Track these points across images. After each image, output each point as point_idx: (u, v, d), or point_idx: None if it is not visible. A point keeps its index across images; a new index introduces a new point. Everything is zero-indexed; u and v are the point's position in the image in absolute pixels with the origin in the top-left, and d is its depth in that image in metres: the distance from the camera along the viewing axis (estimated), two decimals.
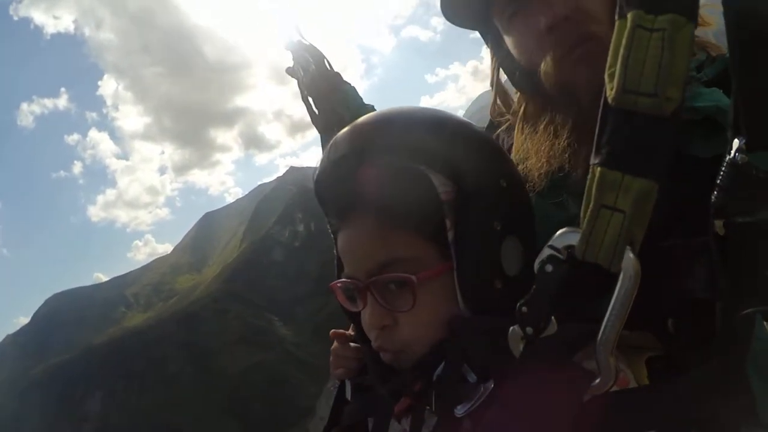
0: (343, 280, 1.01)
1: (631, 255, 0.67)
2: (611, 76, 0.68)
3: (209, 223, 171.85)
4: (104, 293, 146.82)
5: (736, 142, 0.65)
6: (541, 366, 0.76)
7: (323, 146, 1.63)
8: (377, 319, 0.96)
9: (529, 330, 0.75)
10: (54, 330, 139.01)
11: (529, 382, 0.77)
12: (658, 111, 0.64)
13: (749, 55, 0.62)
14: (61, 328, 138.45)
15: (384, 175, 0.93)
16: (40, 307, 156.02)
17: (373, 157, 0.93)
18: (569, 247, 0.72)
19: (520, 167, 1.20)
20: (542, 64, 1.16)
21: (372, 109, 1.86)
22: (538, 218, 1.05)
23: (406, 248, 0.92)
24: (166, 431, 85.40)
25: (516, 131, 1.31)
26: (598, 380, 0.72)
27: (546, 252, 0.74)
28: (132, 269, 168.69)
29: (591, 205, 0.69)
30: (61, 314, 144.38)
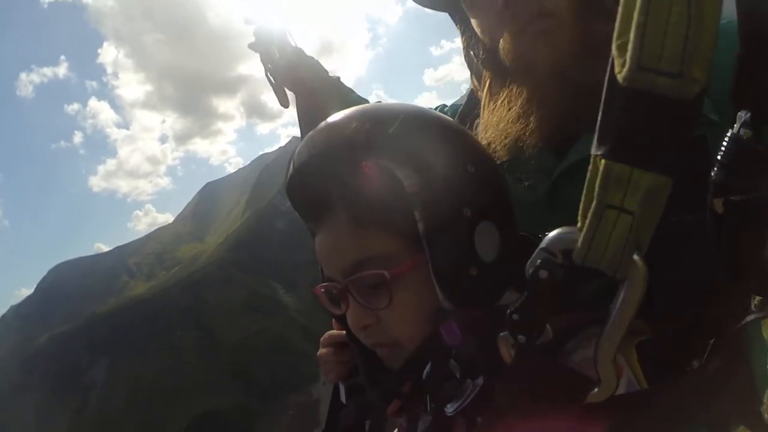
0: (324, 284, 1.02)
1: (640, 261, 0.60)
2: (621, 49, 0.56)
3: (211, 193, 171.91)
4: (107, 263, 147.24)
5: (740, 116, 0.59)
6: (537, 374, 0.74)
7: (300, 125, 1.75)
8: (358, 319, 0.96)
9: (521, 338, 0.71)
10: (57, 300, 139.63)
11: (525, 391, 0.75)
12: (680, 94, 0.54)
13: (757, 19, 0.56)
14: (65, 299, 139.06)
15: (348, 175, 0.93)
16: (43, 278, 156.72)
17: (332, 157, 0.93)
18: (566, 251, 0.66)
19: (485, 141, 1.21)
20: (501, 41, 1.14)
21: (337, 81, 1.87)
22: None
23: (378, 245, 0.93)
24: (172, 397, 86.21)
25: (482, 107, 1.29)
26: (597, 389, 0.68)
27: (539, 255, 0.68)
28: (133, 239, 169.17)
29: (594, 205, 0.60)
30: (64, 284, 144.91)
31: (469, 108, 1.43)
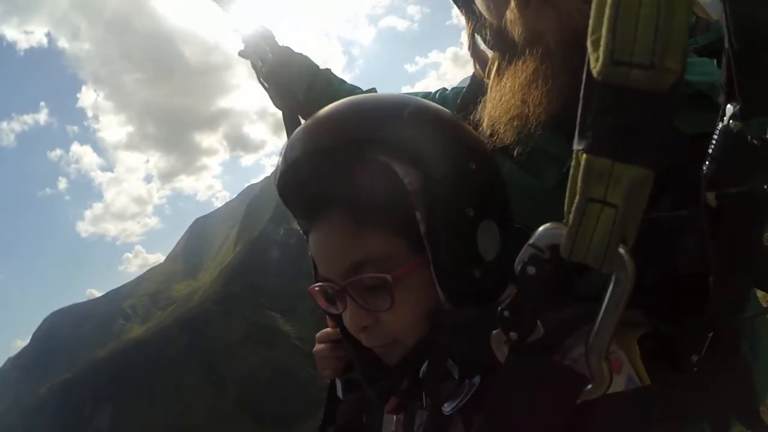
0: (320, 283, 0.97)
1: (626, 254, 0.60)
2: (595, 44, 0.56)
3: (200, 229, 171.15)
4: (101, 308, 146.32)
5: (729, 109, 0.60)
6: (530, 372, 0.72)
7: (285, 126, 1.77)
8: (357, 321, 0.93)
9: (513, 335, 0.70)
10: (54, 349, 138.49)
11: (518, 389, 0.73)
12: (655, 85, 0.54)
13: (746, 12, 0.56)
14: (62, 347, 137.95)
15: (345, 171, 0.89)
16: (38, 328, 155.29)
17: (330, 154, 0.88)
18: (553, 247, 0.65)
19: (490, 121, 1.17)
20: (507, 13, 1.10)
21: (328, 72, 1.89)
22: (515, 189, 1.00)
23: (377, 246, 0.89)
24: None
25: (489, 90, 1.25)
26: (590, 386, 0.67)
27: (527, 252, 0.67)
28: (125, 282, 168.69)
29: (577, 199, 0.60)
30: (60, 333, 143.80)
31: (472, 93, 1.41)
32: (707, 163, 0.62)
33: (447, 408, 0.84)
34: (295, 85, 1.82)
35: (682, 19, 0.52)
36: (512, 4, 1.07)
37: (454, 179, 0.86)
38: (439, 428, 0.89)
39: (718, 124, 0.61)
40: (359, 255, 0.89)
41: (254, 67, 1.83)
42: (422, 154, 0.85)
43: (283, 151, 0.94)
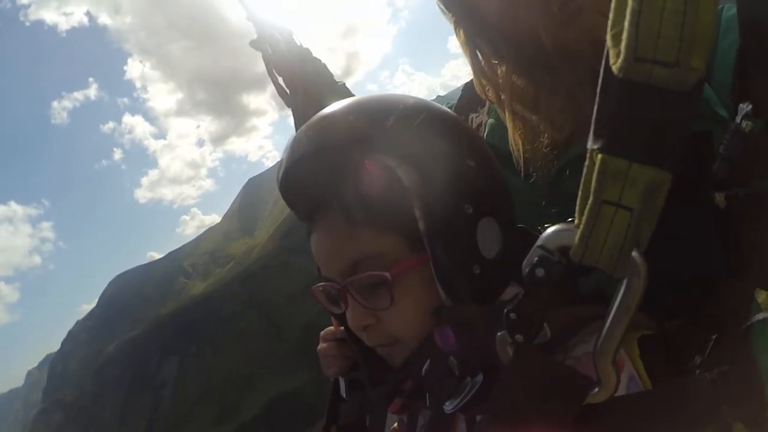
0: (322, 283, 0.98)
1: (640, 259, 0.57)
2: (616, 39, 0.52)
3: (254, 188, 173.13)
4: (162, 268, 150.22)
5: (741, 108, 0.58)
6: (536, 374, 0.70)
7: (295, 123, 1.69)
8: (358, 320, 0.93)
9: (519, 338, 0.68)
10: (120, 310, 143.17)
11: (524, 392, 0.70)
12: (678, 84, 0.50)
13: (755, 11, 0.54)
14: (127, 308, 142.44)
15: (344, 171, 0.88)
16: (104, 290, 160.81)
17: (329, 155, 0.88)
18: (563, 249, 0.62)
19: (519, 147, 1.10)
20: (541, 25, 0.98)
21: (342, 86, 1.79)
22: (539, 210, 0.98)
23: (376, 244, 0.89)
24: (244, 385, 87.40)
25: (507, 117, 1.14)
26: (597, 389, 0.65)
27: (536, 253, 0.64)
28: (184, 243, 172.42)
29: (591, 201, 0.57)
30: (124, 295, 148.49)
31: (464, 105, 1.36)
32: (717, 163, 0.60)
33: (448, 406, 0.84)
34: (320, 80, 1.75)
35: (710, 15, 0.48)
36: (544, 14, 0.97)
37: (451, 177, 0.85)
38: (441, 428, 0.89)
39: (730, 124, 0.59)
40: (358, 254, 0.89)
41: (265, 58, 1.77)
42: (420, 153, 0.85)
43: (285, 152, 0.94)
